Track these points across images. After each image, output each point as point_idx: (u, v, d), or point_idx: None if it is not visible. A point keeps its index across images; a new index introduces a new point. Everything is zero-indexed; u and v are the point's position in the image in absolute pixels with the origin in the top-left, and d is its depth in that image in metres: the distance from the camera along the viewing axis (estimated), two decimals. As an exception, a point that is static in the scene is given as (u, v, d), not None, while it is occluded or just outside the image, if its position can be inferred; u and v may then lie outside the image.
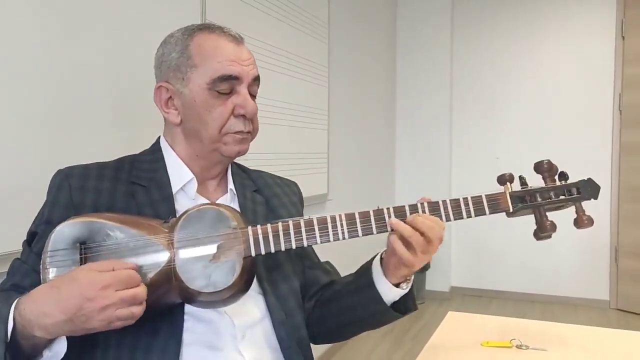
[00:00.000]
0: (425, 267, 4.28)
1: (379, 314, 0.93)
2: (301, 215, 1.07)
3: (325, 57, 3.03)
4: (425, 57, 4.52)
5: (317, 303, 1.04)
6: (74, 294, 0.71)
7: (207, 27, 0.93)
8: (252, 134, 0.96)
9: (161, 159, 0.96)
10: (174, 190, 0.92)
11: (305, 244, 0.85)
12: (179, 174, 0.94)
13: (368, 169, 3.98)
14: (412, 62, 4.57)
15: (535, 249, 4.32)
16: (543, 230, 0.89)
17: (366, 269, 0.95)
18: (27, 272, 0.84)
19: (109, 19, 1.52)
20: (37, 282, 0.82)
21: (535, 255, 4.34)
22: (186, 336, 0.84)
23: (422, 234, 0.83)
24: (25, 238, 0.91)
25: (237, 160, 1.07)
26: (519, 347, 1.24)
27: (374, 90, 4.10)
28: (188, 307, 0.86)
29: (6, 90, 1.24)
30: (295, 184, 1.16)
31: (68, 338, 0.79)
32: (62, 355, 0.77)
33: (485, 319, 1.49)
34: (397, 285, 0.91)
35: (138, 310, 0.74)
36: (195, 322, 0.86)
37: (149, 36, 1.66)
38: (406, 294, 0.92)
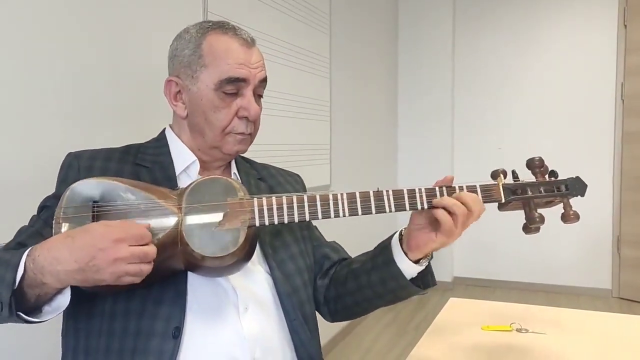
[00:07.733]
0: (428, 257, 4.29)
1: (399, 289, 0.98)
2: None
3: (326, 49, 3.04)
4: (427, 47, 4.51)
5: (333, 281, 1.08)
6: (87, 244, 0.73)
7: (220, 27, 0.96)
8: (252, 135, 1.00)
9: (165, 145, 1.00)
10: (177, 172, 0.96)
11: (307, 217, 0.87)
12: (182, 157, 0.98)
13: (370, 159, 3.99)
14: (414, 52, 4.56)
15: (537, 238, 4.31)
16: (532, 222, 0.93)
17: (384, 247, 0.99)
18: (33, 233, 0.88)
19: (111, 13, 1.54)
20: None
21: (537, 244, 4.35)
22: (190, 305, 0.87)
23: (466, 206, 0.89)
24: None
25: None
26: (518, 330, 1.26)
27: (376, 81, 4.11)
28: (192, 277, 0.88)
29: (11, 88, 1.26)
30: (299, 176, 1.19)
31: (77, 309, 0.83)
32: (62, 309, 0.79)
33: (487, 304, 1.51)
34: (415, 262, 0.96)
35: (147, 268, 0.76)
36: (199, 292, 0.89)
37: (151, 30, 1.67)
38: (424, 270, 0.98)
